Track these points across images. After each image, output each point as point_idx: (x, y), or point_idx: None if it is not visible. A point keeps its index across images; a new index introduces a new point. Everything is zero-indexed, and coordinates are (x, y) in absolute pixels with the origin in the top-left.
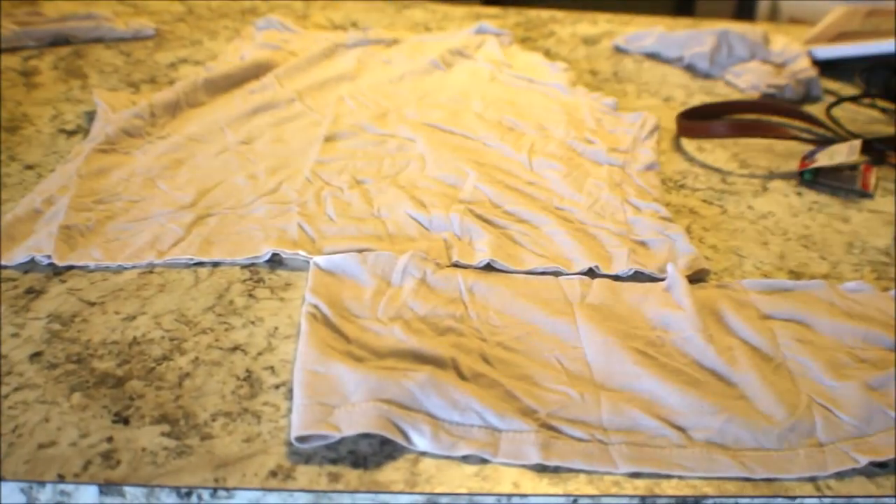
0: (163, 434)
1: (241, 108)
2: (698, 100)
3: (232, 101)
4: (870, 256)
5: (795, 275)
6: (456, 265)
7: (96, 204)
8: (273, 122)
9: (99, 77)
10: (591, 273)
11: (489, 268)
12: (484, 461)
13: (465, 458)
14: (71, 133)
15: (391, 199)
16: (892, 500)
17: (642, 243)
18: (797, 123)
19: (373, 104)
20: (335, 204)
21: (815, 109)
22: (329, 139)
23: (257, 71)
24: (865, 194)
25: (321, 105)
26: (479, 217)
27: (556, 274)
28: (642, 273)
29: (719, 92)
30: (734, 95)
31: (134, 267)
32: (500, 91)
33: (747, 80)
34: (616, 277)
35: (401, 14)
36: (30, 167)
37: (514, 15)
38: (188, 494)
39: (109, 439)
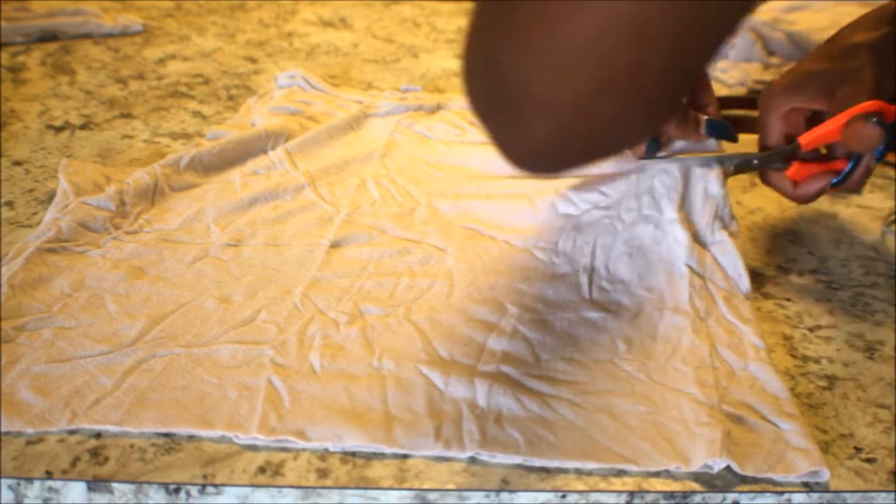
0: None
1: (236, 197)
2: None
3: (228, 185)
4: (857, 252)
5: (783, 270)
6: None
7: (17, 332)
8: (273, 218)
9: (87, 73)
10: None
11: None
12: (473, 458)
13: (454, 455)
14: (59, 129)
15: (400, 345)
16: (880, 494)
17: (739, 419)
18: None
19: (401, 193)
20: (324, 347)
21: None
22: (336, 245)
23: (265, 143)
24: (853, 190)
25: (337, 193)
26: (515, 383)
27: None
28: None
29: None
30: (722, 91)
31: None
32: None
33: (734, 75)
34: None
35: (389, 9)
36: (17, 163)
37: None
38: (176, 491)
39: (98, 436)
